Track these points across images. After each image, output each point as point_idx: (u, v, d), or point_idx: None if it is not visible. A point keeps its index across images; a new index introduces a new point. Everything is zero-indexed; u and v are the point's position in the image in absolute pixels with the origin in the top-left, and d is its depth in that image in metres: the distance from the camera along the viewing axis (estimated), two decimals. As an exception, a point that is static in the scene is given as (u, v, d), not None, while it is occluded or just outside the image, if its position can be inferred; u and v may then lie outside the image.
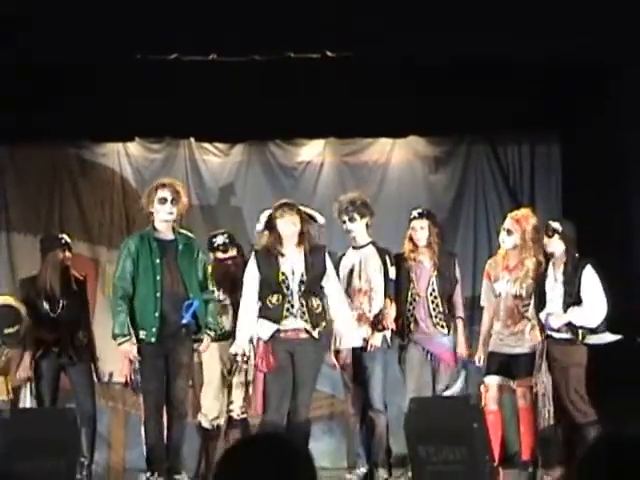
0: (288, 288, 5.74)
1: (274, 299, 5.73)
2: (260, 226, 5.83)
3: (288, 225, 5.74)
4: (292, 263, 5.77)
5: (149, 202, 5.83)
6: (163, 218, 5.81)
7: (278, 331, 5.73)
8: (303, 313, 5.73)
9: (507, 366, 6.16)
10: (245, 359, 5.86)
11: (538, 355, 5.98)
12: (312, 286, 5.78)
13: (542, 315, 6.01)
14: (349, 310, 6.03)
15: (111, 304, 5.84)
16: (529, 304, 6.14)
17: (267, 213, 5.83)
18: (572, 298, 5.96)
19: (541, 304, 6.04)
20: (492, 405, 6.11)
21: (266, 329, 5.73)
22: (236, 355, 5.83)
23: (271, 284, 5.74)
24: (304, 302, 5.74)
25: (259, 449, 2.11)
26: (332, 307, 5.85)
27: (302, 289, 5.75)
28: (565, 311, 5.96)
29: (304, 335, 5.75)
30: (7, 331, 6.17)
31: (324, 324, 5.82)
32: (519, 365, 6.12)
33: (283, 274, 5.74)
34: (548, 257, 6.10)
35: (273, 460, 2.08)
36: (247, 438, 2.34)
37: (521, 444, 6.20)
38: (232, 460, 2.10)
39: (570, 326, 5.94)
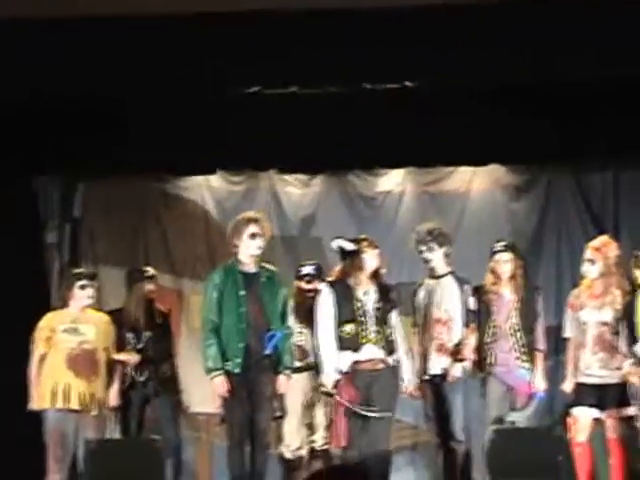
0: (363, 316, 5.78)
1: (347, 328, 5.78)
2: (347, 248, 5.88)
3: (371, 260, 5.86)
4: (366, 291, 5.84)
5: (237, 235, 5.89)
6: (252, 253, 5.88)
7: (357, 362, 5.75)
8: (379, 340, 5.78)
9: (596, 397, 6.03)
10: (335, 390, 5.78)
11: (636, 389, 5.86)
12: (384, 316, 5.85)
13: (638, 349, 5.89)
14: (409, 353, 6.04)
15: (202, 338, 5.89)
16: (618, 333, 6.02)
17: (346, 243, 5.89)
18: None
19: (632, 337, 5.93)
20: (580, 437, 5.99)
21: (345, 360, 5.76)
22: (321, 386, 5.81)
23: (346, 312, 5.80)
24: (380, 329, 5.78)
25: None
26: (398, 348, 5.91)
27: (377, 316, 5.81)
28: None
29: (381, 365, 5.78)
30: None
31: (396, 353, 5.86)
32: (608, 396, 6.00)
33: (358, 301, 5.78)
34: (636, 288, 5.99)
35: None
36: (323, 470, 2.33)
37: (613, 478, 6.06)
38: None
39: None
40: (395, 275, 7.78)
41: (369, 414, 5.70)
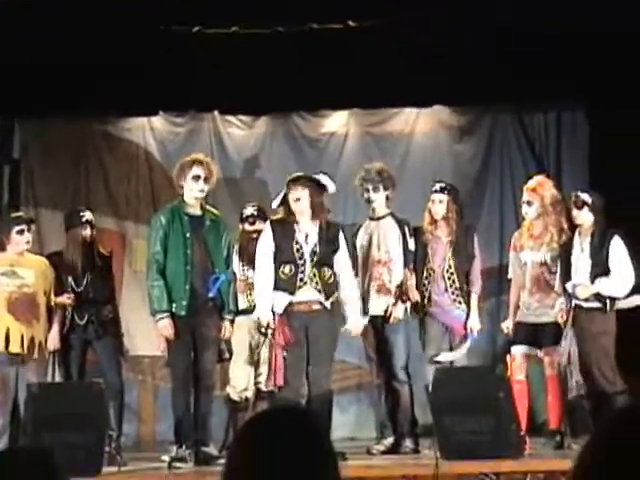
0: (301, 258, 5.72)
1: (286, 269, 5.69)
2: (276, 203, 5.82)
3: (296, 202, 5.72)
4: (306, 234, 5.75)
5: (181, 176, 5.83)
6: (195, 195, 5.84)
7: (291, 304, 5.68)
8: (316, 283, 5.72)
9: (534, 335, 6.12)
10: (270, 330, 5.69)
11: (564, 326, 5.95)
12: (324, 258, 5.76)
13: (568, 286, 5.96)
14: (358, 293, 5.99)
15: (147, 278, 5.85)
16: (555, 272, 6.09)
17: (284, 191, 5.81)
18: (599, 269, 5.90)
19: (567, 275, 6.00)
20: (519, 374, 6.08)
21: (280, 301, 5.69)
22: (260, 325, 5.72)
23: (284, 254, 5.70)
24: (317, 272, 5.72)
25: (272, 423, 2.09)
26: (342, 288, 5.82)
27: (314, 259, 5.73)
28: (592, 282, 5.91)
29: (317, 307, 5.72)
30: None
31: (336, 294, 5.80)
32: (546, 334, 6.09)
33: (297, 243, 5.72)
34: (575, 228, 6.05)
35: (287, 433, 2.07)
36: (267, 410, 2.33)
37: (549, 413, 6.18)
38: (246, 434, 2.10)
39: (598, 296, 5.90)
40: (337, 217, 7.79)
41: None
